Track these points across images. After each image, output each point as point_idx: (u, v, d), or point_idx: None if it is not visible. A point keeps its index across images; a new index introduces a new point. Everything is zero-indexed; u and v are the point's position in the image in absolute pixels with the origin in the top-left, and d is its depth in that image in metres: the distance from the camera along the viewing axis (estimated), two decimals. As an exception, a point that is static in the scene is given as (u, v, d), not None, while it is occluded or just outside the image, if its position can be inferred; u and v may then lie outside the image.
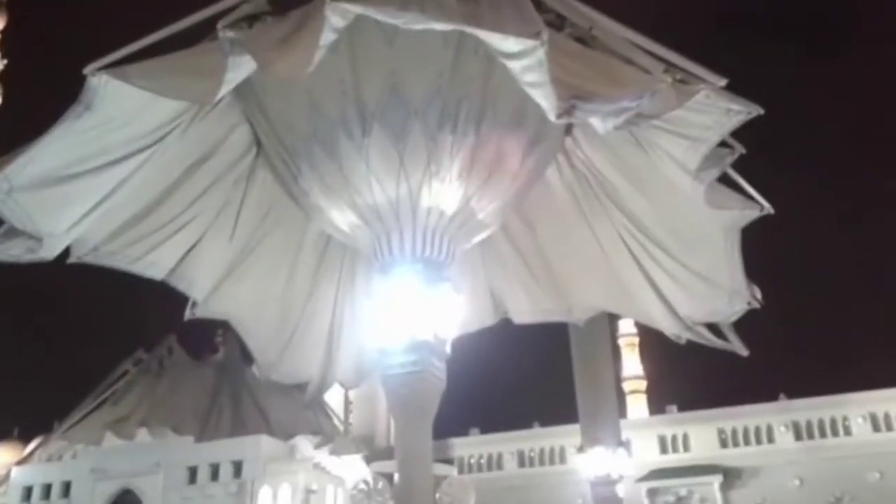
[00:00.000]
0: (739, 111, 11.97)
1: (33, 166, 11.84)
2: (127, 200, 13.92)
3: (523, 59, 10.58)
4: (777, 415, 49.15)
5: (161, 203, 14.75)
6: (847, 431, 47.59)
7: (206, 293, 16.60)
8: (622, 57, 12.03)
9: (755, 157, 13.47)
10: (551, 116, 10.91)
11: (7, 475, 48.50)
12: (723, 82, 11.47)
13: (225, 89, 11.86)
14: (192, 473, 43.65)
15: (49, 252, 13.33)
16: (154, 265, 15.61)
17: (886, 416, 47.05)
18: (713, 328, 16.18)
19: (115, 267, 15.19)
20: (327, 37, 10.98)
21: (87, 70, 10.82)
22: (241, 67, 11.71)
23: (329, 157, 13.48)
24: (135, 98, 11.39)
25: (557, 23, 12.51)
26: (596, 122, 11.10)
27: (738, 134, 12.89)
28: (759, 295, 14.86)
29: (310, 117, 13.45)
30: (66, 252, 14.27)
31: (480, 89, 13.22)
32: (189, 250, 15.81)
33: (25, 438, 56.76)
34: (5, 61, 63.82)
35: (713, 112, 12.07)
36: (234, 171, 15.38)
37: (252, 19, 12.31)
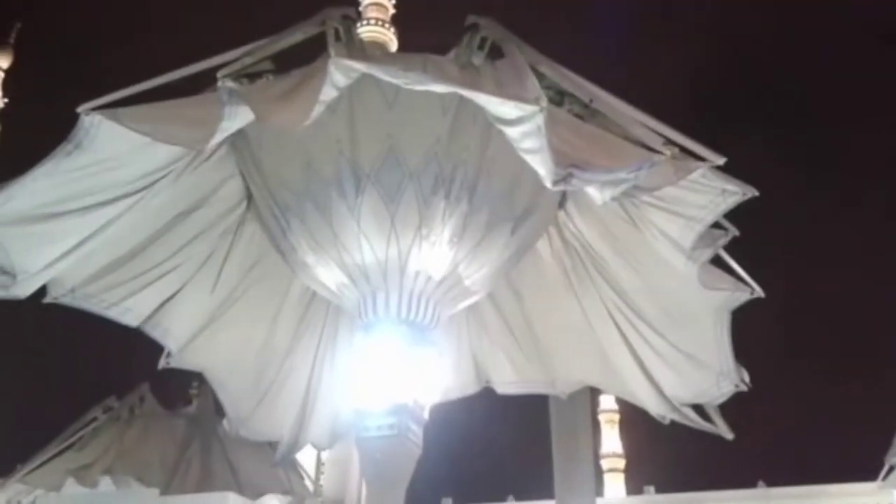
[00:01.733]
0: (735, 192, 12.04)
1: (15, 202, 11.64)
2: (109, 244, 13.69)
3: (522, 124, 10.59)
4: (755, 502, 48.38)
5: (144, 250, 14.53)
6: (825, 523, 46.82)
7: (182, 343, 16.24)
8: (621, 130, 12.09)
9: (746, 239, 13.49)
10: (548, 183, 10.86)
11: (-40, 519, 46.75)
12: (721, 160, 11.52)
13: (219, 137, 11.78)
14: (155, 527, 42.21)
15: (23, 290, 13.02)
16: (130, 312, 15.30)
17: (864, 510, 46.41)
18: (698, 410, 15.95)
19: (91, 311, 14.89)
20: (328, 92, 10.96)
21: (80, 109, 10.74)
22: (238, 117, 11.65)
23: (320, 215, 13.39)
24: (127, 141, 11.26)
25: (557, 99, 12.58)
26: (593, 191, 11.06)
27: (729, 216, 12.95)
28: (747, 378, 14.71)
29: (304, 174, 13.41)
30: (43, 292, 14.02)
31: (476, 157, 13.24)
32: (168, 299, 15.54)
33: (-15, 481, 54.88)
34: (6, 100, 64.41)
35: (708, 192, 12.11)
36: (222, 223, 15.24)
37: (254, 77, 12.32)
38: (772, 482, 49.15)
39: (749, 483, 49.78)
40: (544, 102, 10.28)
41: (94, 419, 48.83)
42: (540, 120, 10.21)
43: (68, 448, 47.31)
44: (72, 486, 43.52)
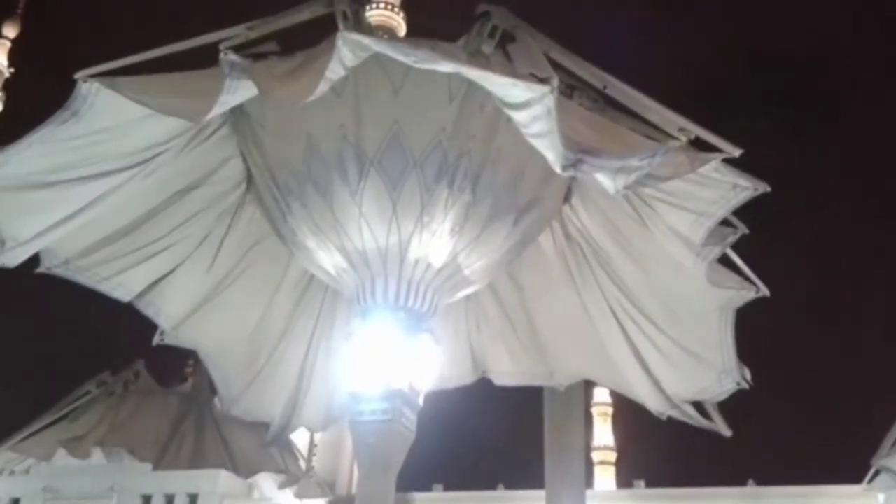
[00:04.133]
0: (746, 187, 11.83)
1: (7, 168, 11.45)
2: (105, 218, 13.52)
3: (531, 107, 10.35)
4: (744, 500, 48.08)
5: (141, 226, 14.36)
6: (814, 524, 46.96)
7: (175, 321, 16.08)
8: (632, 124, 11.87)
9: (751, 236, 13.27)
10: (557, 168, 10.64)
11: (-48, 486, 46.76)
12: (738, 152, 11.28)
13: (218, 110, 11.58)
14: (146, 502, 42.29)
15: (11, 258, 12.84)
16: (122, 287, 15.14)
17: (854, 512, 46.51)
18: (697, 406, 15.83)
19: (84, 284, 14.74)
20: (335, 69, 10.75)
21: (78, 75, 10.53)
22: (239, 91, 11.43)
23: (322, 199, 13.26)
24: (126, 112, 11.06)
25: (567, 92, 12.36)
26: (604, 179, 10.80)
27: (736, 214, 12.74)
28: (748, 376, 14.56)
29: (306, 157, 13.23)
30: (38, 262, 13.90)
31: (482, 147, 13.06)
32: (162, 277, 15.38)
33: (-23, 449, 54.85)
34: (12, 70, 64.31)
35: (719, 187, 11.91)
36: (221, 203, 15.06)
37: (259, 58, 12.09)
38: (761, 481, 49.36)
39: (739, 481, 49.96)
40: (556, 83, 10.02)
41: (88, 392, 49.00)
42: (550, 102, 9.95)
43: (61, 419, 47.45)
44: (64, 458, 43.60)
